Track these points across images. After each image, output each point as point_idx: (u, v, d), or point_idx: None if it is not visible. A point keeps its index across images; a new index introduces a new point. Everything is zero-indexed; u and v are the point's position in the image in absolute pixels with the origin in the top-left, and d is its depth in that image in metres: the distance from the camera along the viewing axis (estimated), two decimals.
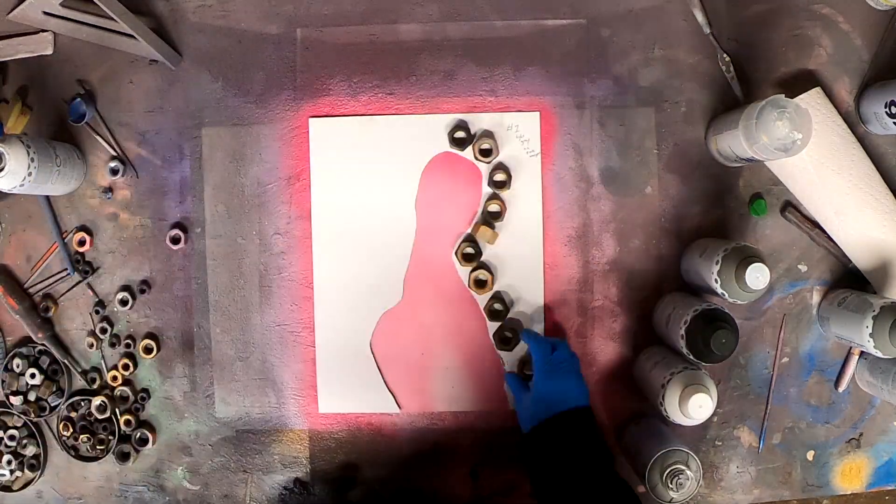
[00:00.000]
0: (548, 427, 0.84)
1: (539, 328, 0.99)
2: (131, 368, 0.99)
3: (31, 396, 1.00)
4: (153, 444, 1.00)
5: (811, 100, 0.95)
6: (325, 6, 0.99)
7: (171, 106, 1.00)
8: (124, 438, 1.00)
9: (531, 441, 0.86)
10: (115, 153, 0.99)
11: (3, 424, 1.01)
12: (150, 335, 1.00)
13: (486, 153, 0.97)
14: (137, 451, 1.00)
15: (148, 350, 0.99)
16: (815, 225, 0.98)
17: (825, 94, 0.96)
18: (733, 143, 0.89)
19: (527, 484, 0.99)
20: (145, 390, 1.00)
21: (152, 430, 1.00)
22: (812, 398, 1.00)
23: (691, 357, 0.87)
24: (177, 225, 1.00)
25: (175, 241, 0.99)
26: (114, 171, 0.99)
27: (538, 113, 0.98)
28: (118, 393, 1.00)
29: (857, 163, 0.95)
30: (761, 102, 0.83)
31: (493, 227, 0.97)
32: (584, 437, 0.84)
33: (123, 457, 0.99)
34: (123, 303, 0.99)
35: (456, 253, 0.98)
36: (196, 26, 0.99)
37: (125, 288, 1.00)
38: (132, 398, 1.00)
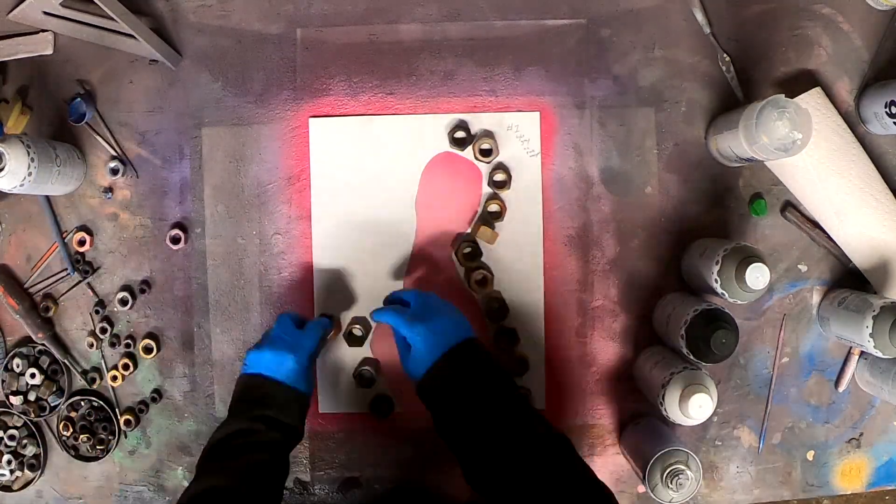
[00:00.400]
0: (435, 371, 0.81)
1: (539, 328, 0.98)
2: (131, 368, 0.99)
3: (31, 396, 1.00)
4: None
5: (811, 100, 0.95)
6: (325, 6, 0.99)
7: (171, 106, 1.00)
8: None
9: (424, 389, 0.82)
10: (115, 153, 0.99)
11: (3, 424, 1.01)
12: (151, 335, 1.00)
13: (486, 153, 0.97)
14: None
15: (148, 350, 0.99)
16: (815, 225, 0.98)
17: (825, 94, 0.96)
18: (733, 143, 0.89)
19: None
20: (156, 391, 1.00)
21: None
22: (812, 398, 1.00)
23: (691, 357, 0.87)
24: (177, 225, 1.00)
25: (175, 240, 0.99)
26: (114, 171, 0.99)
27: (538, 113, 0.98)
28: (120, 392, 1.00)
29: (857, 163, 0.95)
30: (761, 102, 0.83)
31: (493, 227, 0.97)
32: (474, 365, 0.82)
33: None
34: (123, 302, 0.99)
35: (456, 253, 0.98)
36: (196, 26, 0.99)
37: (125, 288, 1.00)
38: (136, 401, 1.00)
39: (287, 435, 0.83)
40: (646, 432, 0.96)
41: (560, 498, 0.71)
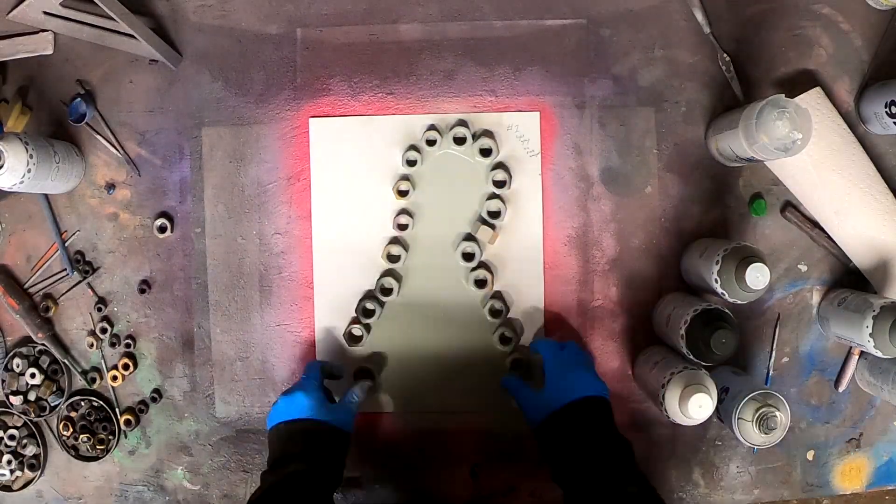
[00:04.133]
0: (562, 415, 0.84)
1: (539, 328, 0.98)
2: (131, 368, 0.99)
3: (31, 396, 1.00)
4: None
5: (811, 100, 0.95)
6: (325, 6, 0.99)
7: (171, 106, 1.00)
8: None
9: (545, 430, 0.85)
10: (115, 152, 0.99)
11: (3, 424, 1.01)
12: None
13: (486, 153, 0.97)
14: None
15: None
16: (815, 225, 0.98)
17: (825, 94, 0.96)
18: (733, 143, 0.89)
19: (526, 483, 0.99)
20: (156, 391, 1.00)
21: None
22: (812, 398, 1.00)
23: (691, 357, 0.87)
24: (162, 214, 1.00)
25: (162, 230, 0.98)
26: (109, 186, 0.99)
27: (538, 113, 0.98)
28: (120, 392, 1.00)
29: (857, 163, 0.95)
30: (761, 102, 0.83)
31: (493, 227, 0.97)
32: (600, 423, 0.84)
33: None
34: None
35: (456, 252, 0.98)
36: (196, 26, 0.99)
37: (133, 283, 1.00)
38: (136, 401, 1.00)
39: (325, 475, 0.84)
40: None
41: None
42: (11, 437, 1.00)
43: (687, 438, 0.99)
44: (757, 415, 0.86)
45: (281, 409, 0.87)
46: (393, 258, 0.99)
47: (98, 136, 0.99)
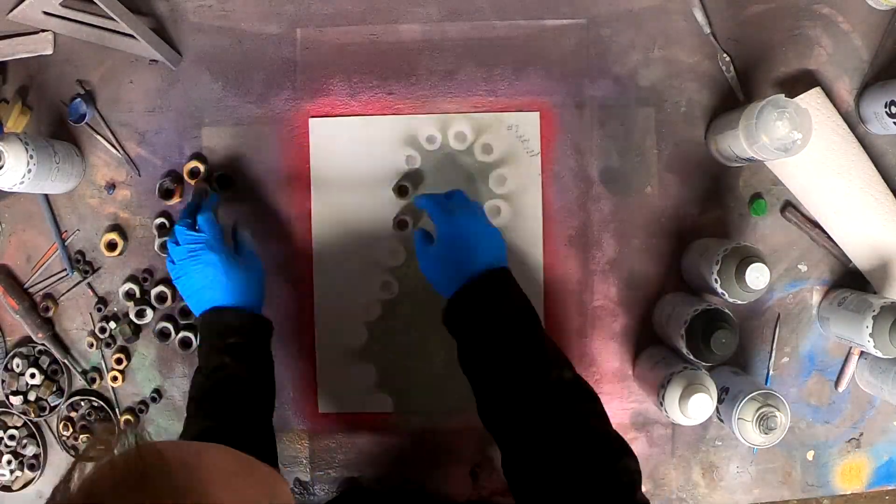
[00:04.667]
0: (468, 292, 0.80)
1: None
2: (125, 363, 0.98)
3: (31, 396, 1.00)
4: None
5: (811, 100, 0.95)
6: (325, 6, 0.99)
7: (171, 106, 0.99)
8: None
9: (453, 309, 0.81)
10: (116, 153, 0.99)
11: (3, 424, 1.01)
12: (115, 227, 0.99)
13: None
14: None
15: (112, 246, 0.98)
16: (815, 225, 0.98)
17: (825, 94, 0.96)
18: (733, 143, 0.89)
19: None
20: (156, 391, 1.00)
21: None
22: (812, 398, 1.00)
23: (691, 357, 0.87)
24: (162, 214, 0.99)
25: (162, 229, 0.98)
26: (110, 186, 0.99)
27: (538, 113, 0.98)
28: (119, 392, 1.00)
29: (857, 163, 0.95)
30: (761, 102, 0.83)
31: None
32: (508, 298, 0.80)
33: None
34: (129, 296, 0.99)
35: None
36: (196, 26, 0.99)
37: (132, 279, 1.00)
38: (136, 402, 1.00)
39: (253, 361, 0.85)
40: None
41: (565, 445, 0.70)
42: (11, 437, 1.00)
43: (687, 438, 0.99)
44: (757, 415, 0.86)
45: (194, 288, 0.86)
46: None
47: (98, 136, 0.99)
